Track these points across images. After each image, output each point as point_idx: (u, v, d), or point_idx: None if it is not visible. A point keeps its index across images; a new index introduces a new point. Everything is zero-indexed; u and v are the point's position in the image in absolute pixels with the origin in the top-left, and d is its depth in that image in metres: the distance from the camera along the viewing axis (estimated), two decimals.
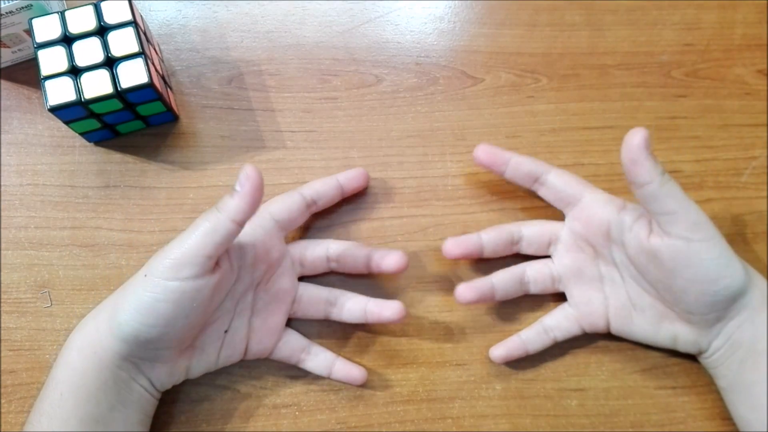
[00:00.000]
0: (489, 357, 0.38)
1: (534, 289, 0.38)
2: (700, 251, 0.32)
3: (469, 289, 0.37)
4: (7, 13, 0.38)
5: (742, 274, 0.33)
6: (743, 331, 0.34)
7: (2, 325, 0.39)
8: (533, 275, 0.38)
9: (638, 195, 0.33)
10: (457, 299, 0.37)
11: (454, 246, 0.38)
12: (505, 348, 0.38)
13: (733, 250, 0.34)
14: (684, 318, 0.36)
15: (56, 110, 0.36)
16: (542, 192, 0.38)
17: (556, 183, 0.38)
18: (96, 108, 0.37)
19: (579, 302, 0.38)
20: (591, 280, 0.38)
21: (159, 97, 0.38)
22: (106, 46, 0.37)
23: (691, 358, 0.38)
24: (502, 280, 0.38)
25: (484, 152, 0.38)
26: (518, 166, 0.38)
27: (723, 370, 0.36)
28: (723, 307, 0.34)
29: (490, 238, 0.38)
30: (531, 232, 0.38)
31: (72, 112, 0.37)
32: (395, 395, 0.39)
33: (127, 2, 0.38)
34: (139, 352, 0.33)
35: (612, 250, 0.37)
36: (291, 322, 0.39)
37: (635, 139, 0.32)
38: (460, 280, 0.39)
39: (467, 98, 0.44)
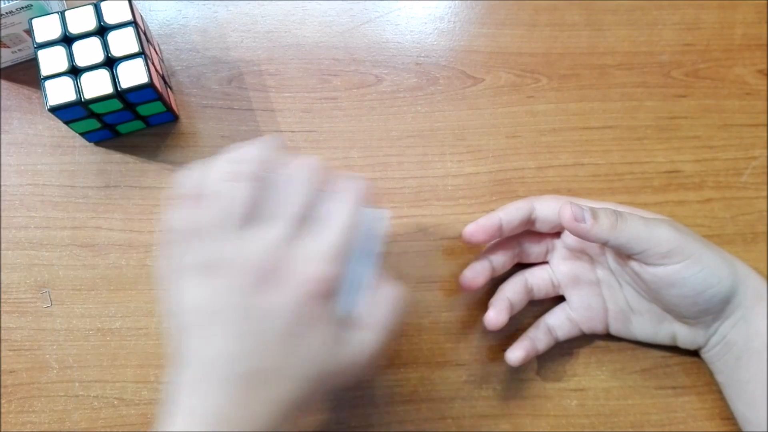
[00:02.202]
0: (506, 360, 0.37)
1: (537, 294, 0.38)
2: (680, 271, 0.33)
3: (497, 312, 0.36)
4: (7, 13, 0.38)
5: (729, 278, 0.34)
6: (737, 330, 0.35)
7: (2, 325, 0.39)
8: (535, 282, 0.38)
9: (606, 246, 0.34)
10: (488, 326, 0.36)
11: (476, 232, 0.36)
12: (523, 349, 0.36)
13: (724, 249, 0.35)
14: (681, 320, 0.36)
15: (56, 110, 0.36)
16: (537, 226, 0.37)
17: (545, 215, 0.37)
18: (96, 108, 0.37)
19: (578, 307, 0.38)
20: (589, 285, 0.38)
21: (159, 97, 0.38)
22: (106, 46, 0.37)
23: (692, 358, 0.39)
24: (513, 291, 0.37)
25: (474, 233, 0.36)
26: (510, 222, 0.37)
27: (720, 366, 0.36)
28: (716, 310, 0.35)
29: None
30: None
31: (72, 112, 0.37)
32: (395, 395, 0.39)
33: (127, 2, 0.38)
34: None
35: (607, 257, 0.37)
36: None
37: (564, 217, 0.33)
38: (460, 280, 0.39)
39: (467, 98, 0.44)
